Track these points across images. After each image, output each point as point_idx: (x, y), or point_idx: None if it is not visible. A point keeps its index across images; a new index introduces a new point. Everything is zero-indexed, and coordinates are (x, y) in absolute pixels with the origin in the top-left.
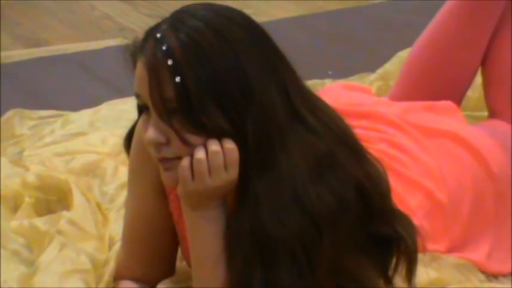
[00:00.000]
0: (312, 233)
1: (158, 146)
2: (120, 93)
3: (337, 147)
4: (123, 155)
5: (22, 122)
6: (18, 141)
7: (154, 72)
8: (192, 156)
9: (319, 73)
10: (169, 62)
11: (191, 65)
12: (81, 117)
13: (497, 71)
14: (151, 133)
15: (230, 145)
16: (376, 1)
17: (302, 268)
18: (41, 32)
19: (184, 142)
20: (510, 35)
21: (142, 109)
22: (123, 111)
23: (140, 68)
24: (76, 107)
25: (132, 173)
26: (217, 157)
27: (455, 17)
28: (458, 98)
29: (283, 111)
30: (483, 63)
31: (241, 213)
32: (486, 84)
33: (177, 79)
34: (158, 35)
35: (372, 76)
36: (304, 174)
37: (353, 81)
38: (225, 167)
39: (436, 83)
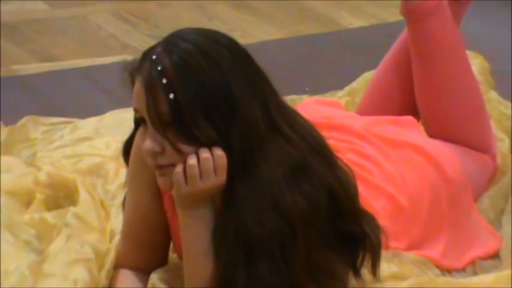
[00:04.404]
0: (287, 232)
1: (154, 154)
2: (122, 104)
3: (311, 156)
4: None
5: (35, 127)
6: (31, 145)
7: (150, 90)
8: (185, 162)
9: (297, 89)
10: (164, 81)
11: (183, 84)
12: (88, 124)
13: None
14: (148, 144)
15: (219, 152)
16: (349, 27)
17: (279, 263)
18: (53, 48)
19: (178, 151)
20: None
21: (138, 122)
22: (124, 119)
23: (138, 86)
24: (83, 115)
25: (131, 176)
26: (208, 163)
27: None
28: (414, 114)
29: (263, 123)
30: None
31: (226, 213)
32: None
33: (171, 96)
34: (154, 57)
35: (340, 93)
36: (281, 180)
37: (326, 97)
38: (215, 171)
39: (394, 101)
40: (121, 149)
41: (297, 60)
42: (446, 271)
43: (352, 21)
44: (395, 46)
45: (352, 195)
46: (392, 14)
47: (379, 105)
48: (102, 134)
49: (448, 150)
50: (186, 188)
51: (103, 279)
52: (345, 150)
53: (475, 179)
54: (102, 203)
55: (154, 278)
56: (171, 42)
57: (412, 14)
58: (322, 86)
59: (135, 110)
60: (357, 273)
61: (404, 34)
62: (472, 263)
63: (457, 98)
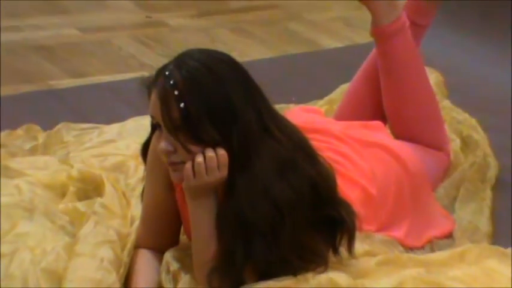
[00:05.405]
0: (277, 216)
1: (168, 153)
2: (141, 112)
3: (296, 154)
4: None
5: (68, 132)
6: (65, 146)
7: (164, 100)
8: (193, 160)
9: (285, 99)
10: (176, 93)
11: (191, 95)
12: (112, 129)
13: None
14: (163, 144)
15: (222, 151)
16: (327, 48)
17: (270, 242)
18: (83, 66)
19: (187, 151)
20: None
21: (154, 127)
22: (143, 125)
23: (154, 97)
24: (108, 122)
25: (149, 171)
26: (212, 160)
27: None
28: (382, 118)
29: (257, 127)
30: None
31: (227, 201)
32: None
33: (182, 105)
34: (167, 73)
35: (321, 102)
36: (271, 173)
37: (309, 105)
38: (218, 167)
39: (365, 108)
40: (140, 149)
41: (284, 75)
42: (409, 249)
43: (330, 43)
44: (366, 63)
45: (331, 186)
46: (364, 37)
47: (352, 112)
48: (124, 137)
49: (410, 148)
50: (194, 181)
51: (125, 257)
52: (325, 150)
53: (432, 172)
54: (124, 194)
55: (168, 256)
56: (181, 61)
57: (380, 35)
58: (306, 97)
59: (152, 117)
60: (335, 251)
61: (373, 53)
62: (430, 242)
63: (418, 105)
